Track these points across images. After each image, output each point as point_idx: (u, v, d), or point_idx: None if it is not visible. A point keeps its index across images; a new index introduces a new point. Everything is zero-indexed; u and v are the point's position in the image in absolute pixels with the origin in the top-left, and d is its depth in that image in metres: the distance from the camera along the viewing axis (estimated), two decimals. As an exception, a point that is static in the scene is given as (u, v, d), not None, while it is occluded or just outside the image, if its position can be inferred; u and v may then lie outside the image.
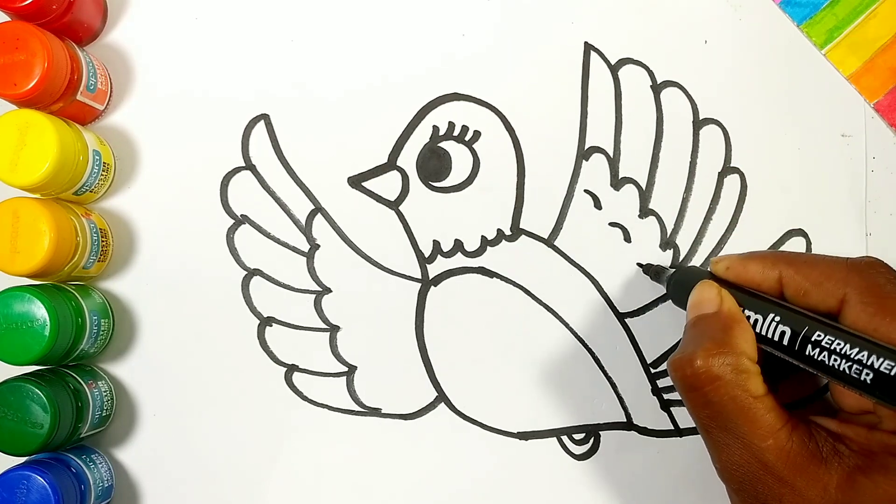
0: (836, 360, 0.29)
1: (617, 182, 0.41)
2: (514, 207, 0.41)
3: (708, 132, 0.42)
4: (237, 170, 0.41)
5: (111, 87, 0.41)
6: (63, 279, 0.38)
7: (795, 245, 0.41)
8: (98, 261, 0.39)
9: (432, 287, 0.41)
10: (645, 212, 0.41)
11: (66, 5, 0.37)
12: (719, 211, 0.41)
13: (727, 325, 0.32)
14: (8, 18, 0.37)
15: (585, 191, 0.41)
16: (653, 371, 0.41)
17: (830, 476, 0.30)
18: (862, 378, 0.28)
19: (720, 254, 0.41)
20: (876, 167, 0.42)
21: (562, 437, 0.41)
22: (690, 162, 0.42)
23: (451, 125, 0.41)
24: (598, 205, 0.41)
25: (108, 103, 0.41)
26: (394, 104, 0.41)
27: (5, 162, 0.35)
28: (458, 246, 0.41)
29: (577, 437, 0.41)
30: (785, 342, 0.31)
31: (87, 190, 0.39)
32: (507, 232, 0.41)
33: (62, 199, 0.39)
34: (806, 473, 0.30)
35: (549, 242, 0.41)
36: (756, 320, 0.32)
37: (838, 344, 0.29)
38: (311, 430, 0.41)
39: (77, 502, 0.36)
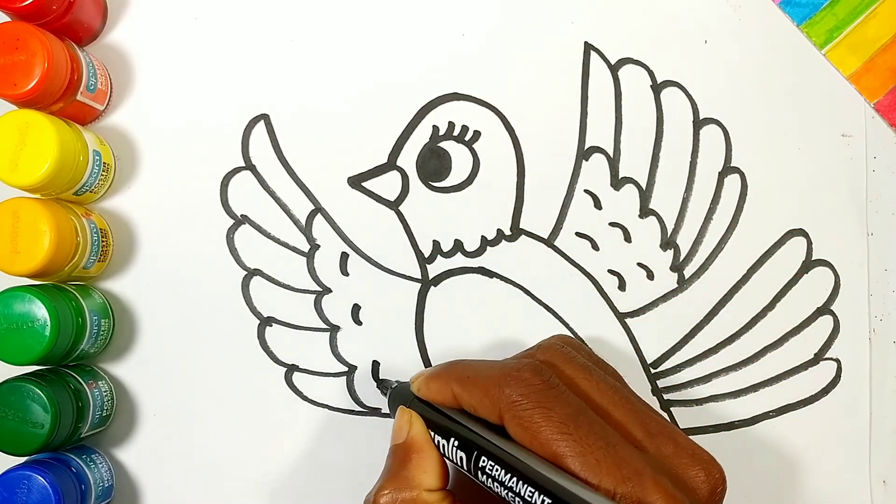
0: (498, 487, 0.29)
1: (617, 182, 0.41)
2: (514, 207, 0.41)
3: (708, 132, 0.42)
4: (237, 170, 0.41)
5: (111, 87, 0.41)
6: (63, 279, 0.39)
7: (796, 245, 0.41)
8: (98, 261, 0.39)
9: (432, 287, 0.41)
10: (645, 212, 0.41)
11: (66, 5, 0.37)
12: (720, 211, 0.41)
13: (406, 457, 0.33)
14: (8, 18, 0.37)
15: (585, 191, 0.41)
16: (653, 371, 0.41)
17: None
18: None
19: (720, 255, 0.41)
20: (877, 167, 0.42)
21: (562, 437, 0.41)
22: (690, 162, 0.42)
23: (451, 125, 0.41)
24: (598, 205, 0.41)
25: (108, 103, 0.41)
26: (394, 104, 0.41)
27: (5, 162, 0.35)
28: (458, 246, 0.41)
29: (577, 437, 0.41)
30: (464, 467, 0.31)
31: (87, 190, 0.39)
32: (507, 232, 0.41)
33: (62, 199, 0.39)
34: None
35: (549, 242, 0.41)
36: (442, 444, 0.32)
37: (497, 470, 0.29)
38: (311, 430, 0.41)
39: (77, 502, 0.36)
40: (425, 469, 0.32)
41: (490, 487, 0.30)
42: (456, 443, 0.31)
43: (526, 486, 0.28)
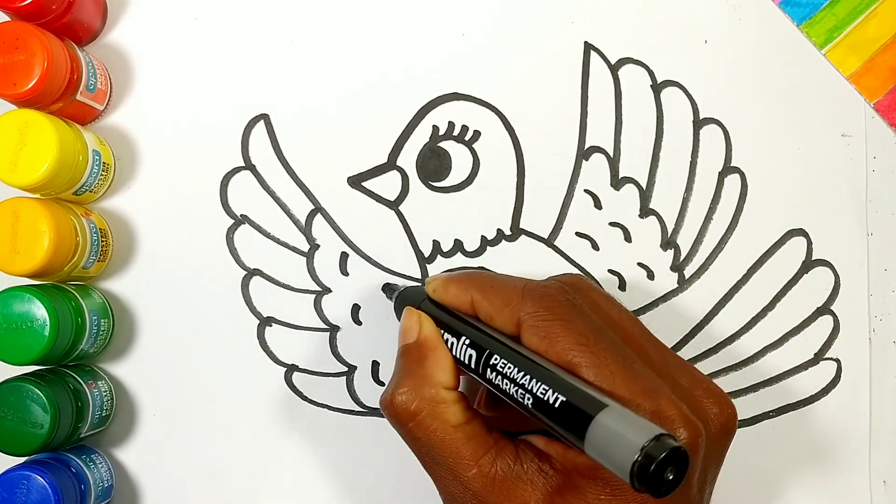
0: (507, 383, 0.29)
1: (617, 182, 0.41)
2: (514, 207, 0.41)
3: (708, 132, 0.42)
4: (237, 170, 0.41)
5: (111, 87, 0.41)
6: (63, 279, 0.38)
7: (796, 245, 0.41)
8: (98, 261, 0.39)
9: (432, 287, 0.41)
10: (645, 211, 0.41)
11: (65, 5, 0.37)
12: (720, 211, 0.41)
13: (422, 354, 0.33)
14: (8, 18, 0.37)
15: (585, 191, 0.41)
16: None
17: (535, 498, 0.29)
18: (525, 402, 0.29)
19: (720, 255, 0.41)
20: (877, 167, 0.42)
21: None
22: (691, 162, 0.42)
23: (451, 125, 0.41)
24: (598, 205, 0.41)
25: (107, 103, 0.41)
26: (394, 104, 0.41)
27: (5, 162, 0.35)
28: (458, 246, 0.41)
29: (577, 437, 0.41)
30: (472, 365, 0.31)
31: (86, 190, 0.39)
32: (507, 232, 0.41)
33: (62, 199, 0.39)
34: (512, 498, 0.30)
35: (549, 242, 0.41)
36: (452, 343, 0.33)
37: (509, 368, 0.30)
38: (311, 430, 0.41)
39: (77, 502, 0.36)
40: (442, 367, 0.32)
41: (497, 386, 0.30)
42: (467, 341, 0.32)
43: (539, 383, 0.28)
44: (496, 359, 0.30)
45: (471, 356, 0.31)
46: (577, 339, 0.29)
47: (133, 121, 0.41)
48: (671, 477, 0.24)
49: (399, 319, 0.36)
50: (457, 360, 0.32)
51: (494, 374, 0.30)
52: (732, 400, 0.41)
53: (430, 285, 0.35)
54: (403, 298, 0.37)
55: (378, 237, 0.41)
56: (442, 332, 0.33)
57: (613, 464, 0.25)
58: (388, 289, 0.40)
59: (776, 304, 0.41)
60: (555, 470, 0.30)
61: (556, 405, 0.27)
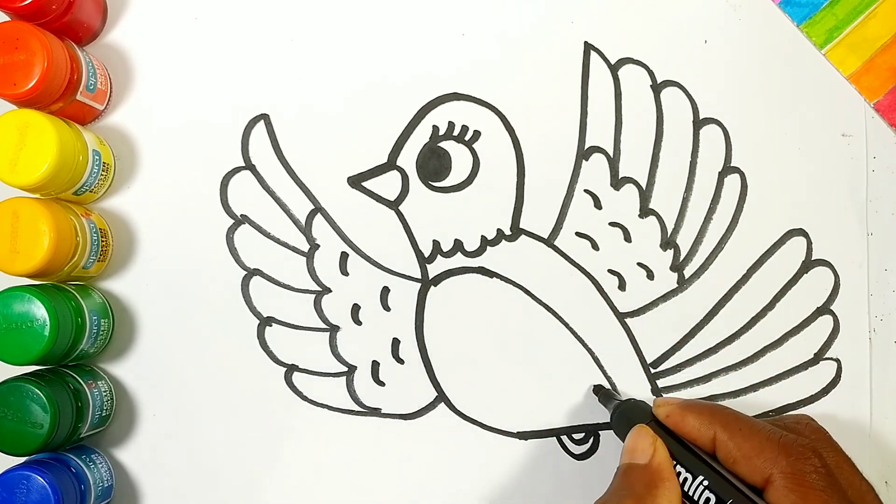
0: None
1: (617, 182, 0.41)
2: (514, 207, 0.41)
3: (708, 132, 0.42)
4: (237, 170, 0.41)
5: (111, 87, 0.41)
6: (63, 279, 0.38)
7: (796, 245, 0.41)
8: (98, 261, 0.39)
9: (432, 287, 0.41)
10: (645, 211, 0.41)
11: (65, 5, 0.37)
12: (720, 211, 0.41)
13: (653, 482, 0.32)
14: (8, 18, 0.37)
15: (585, 191, 0.41)
16: (653, 371, 0.41)
17: None
18: None
19: (720, 255, 0.41)
20: (877, 167, 0.42)
21: (562, 437, 0.41)
22: (691, 162, 0.42)
23: (451, 125, 0.41)
24: (598, 205, 0.41)
25: (107, 103, 0.41)
26: (394, 104, 0.41)
27: (5, 162, 0.35)
28: (458, 246, 0.41)
29: (577, 437, 0.41)
30: None
31: (86, 190, 0.39)
32: (507, 232, 0.41)
33: (62, 199, 0.39)
34: None
35: (549, 242, 0.41)
36: (686, 478, 0.32)
37: None
38: (311, 430, 0.41)
39: (77, 502, 0.36)
40: (670, 500, 0.31)
41: None
42: (705, 482, 0.31)
43: None
44: None
45: (708, 500, 0.31)
46: None
47: (133, 121, 0.41)
48: None
49: (617, 431, 0.35)
50: (685, 496, 0.32)
51: None
52: (733, 400, 0.41)
53: (662, 409, 0.34)
54: (627, 412, 0.36)
55: (378, 237, 0.41)
56: (674, 463, 0.32)
57: None
58: (601, 393, 0.39)
59: (776, 303, 0.41)
60: None
61: None
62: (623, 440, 0.35)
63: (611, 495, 0.32)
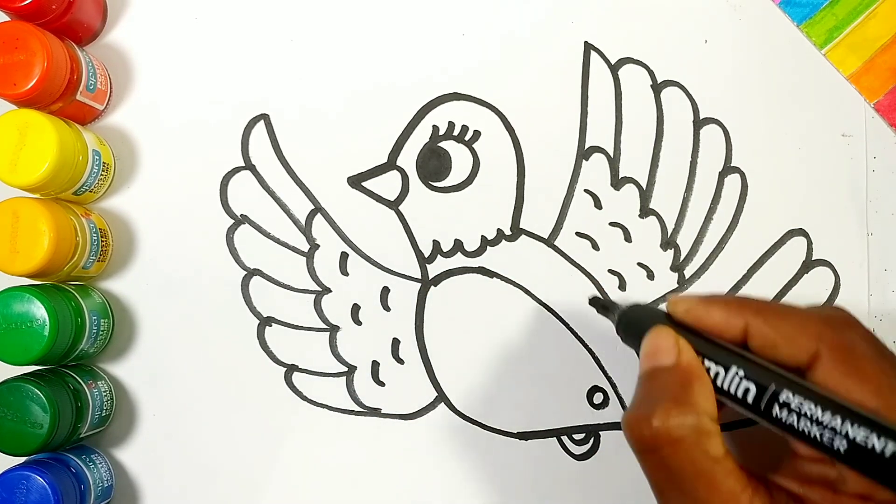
0: (805, 424, 0.27)
1: (617, 182, 0.41)
2: (514, 207, 0.41)
3: (708, 132, 0.42)
4: (237, 170, 0.41)
5: (111, 87, 0.41)
6: (63, 279, 0.38)
7: (796, 245, 0.41)
8: (98, 261, 0.39)
9: (432, 287, 0.41)
10: (645, 212, 0.41)
11: (65, 5, 0.37)
12: (720, 211, 0.41)
13: (687, 380, 0.30)
14: (8, 18, 0.37)
15: (585, 191, 0.41)
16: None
17: None
18: (835, 446, 0.26)
19: (720, 255, 0.41)
20: (877, 167, 0.42)
21: (562, 437, 0.41)
22: (691, 162, 0.42)
23: (451, 125, 0.41)
24: (598, 205, 0.41)
25: (107, 103, 0.41)
26: (394, 104, 0.41)
27: (5, 162, 0.35)
28: (458, 246, 0.41)
29: (577, 437, 0.41)
30: (749, 400, 0.28)
31: (86, 190, 0.39)
32: (507, 232, 0.41)
33: (62, 199, 0.39)
34: None
35: (549, 242, 0.41)
36: (717, 373, 0.29)
37: (809, 407, 0.27)
38: (311, 430, 0.41)
39: (77, 502, 0.36)
40: (707, 396, 0.29)
41: (789, 425, 0.27)
42: (740, 372, 0.29)
43: (858, 427, 0.25)
44: (788, 395, 0.27)
45: (747, 390, 0.28)
46: (885, 382, 0.27)
47: (133, 121, 0.41)
48: None
49: (627, 338, 0.33)
50: (720, 392, 0.29)
51: (786, 412, 0.27)
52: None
53: (680, 305, 0.32)
54: (636, 318, 0.33)
55: (378, 237, 0.41)
56: (701, 358, 0.30)
57: None
58: (598, 303, 0.36)
59: (776, 304, 0.41)
60: None
61: (887, 455, 0.25)
62: (635, 348, 0.32)
63: (640, 403, 0.30)
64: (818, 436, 0.26)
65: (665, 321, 0.31)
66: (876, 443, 0.25)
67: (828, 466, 0.29)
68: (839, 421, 0.26)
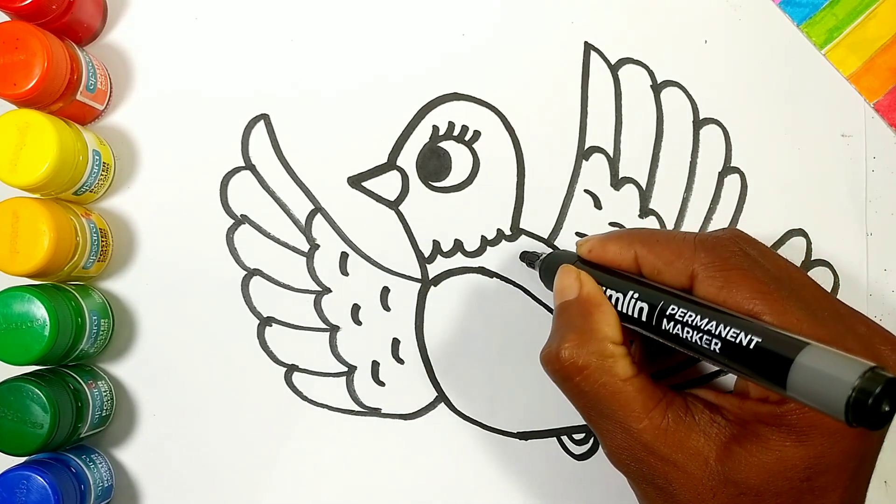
0: (688, 332, 0.29)
1: (617, 182, 0.41)
2: (514, 207, 0.41)
3: (708, 132, 0.42)
4: (237, 170, 0.41)
5: (111, 87, 0.41)
6: (63, 279, 0.38)
7: (796, 245, 0.41)
8: (98, 261, 0.39)
9: (432, 287, 0.41)
10: (645, 212, 0.41)
11: (65, 5, 0.37)
12: (720, 211, 0.41)
13: (587, 310, 0.32)
14: (8, 18, 0.37)
15: (585, 191, 0.41)
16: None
17: (710, 448, 0.30)
18: (711, 348, 0.28)
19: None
20: (876, 167, 0.42)
21: (562, 437, 0.41)
22: (690, 162, 0.42)
23: (451, 125, 0.41)
24: (598, 205, 0.41)
25: (107, 103, 0.41)
26: (394, 104, 0.41)
27: (5, 162, 0.35)
28: (458, 246, 0.41)
29: (577, 437, 0.41)
30: (643, 318, 0.31)
31: (86, 190, 0.39)
32: (507, 232, 0.41)
33: (62, 199, 0.39)
34: (685, 448, 0.30)
35: (549, 242, 0.41)
36: (617, 299, 0.32)
37: (690, 316, 0.29)
38: (311, 430, 0.41)
39: (77, 502, 0.36)
40: (608, 322, 0.32)
41: (675, 336, 0.30)
42: (636, 295, 0.31)
43: (728, 328, 0.28)
44: (674, 308, 0.30)
45: (641, 309, 0.31)
46: (757, 288, 0.29)
47: (133, 121, 0.41)
48: (887, 409, 0.23)
49: (547, 283, 0.36)
50: (622, 316, 0.32)
51: (672, 323, 0.30)
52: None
53: (584, 246, 0.35)
54: (551, 262, 0.37)
55: (378, 237, 0.41)
56: (604, 288, 0.33)
57: (823, 403, 0.24)
58: (527, 256, 0.40)
59: (776, 304, 0.41)
60: (727, 420, 0.30)
61: (752, 347, 0.27)
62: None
63: (552, 337, 0.33)
64: (697, 340, 0.29)
65: (575, 262, 0.35)
66: (743, 339, 0.27)
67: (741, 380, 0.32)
68: (714, 324, 0.28)
